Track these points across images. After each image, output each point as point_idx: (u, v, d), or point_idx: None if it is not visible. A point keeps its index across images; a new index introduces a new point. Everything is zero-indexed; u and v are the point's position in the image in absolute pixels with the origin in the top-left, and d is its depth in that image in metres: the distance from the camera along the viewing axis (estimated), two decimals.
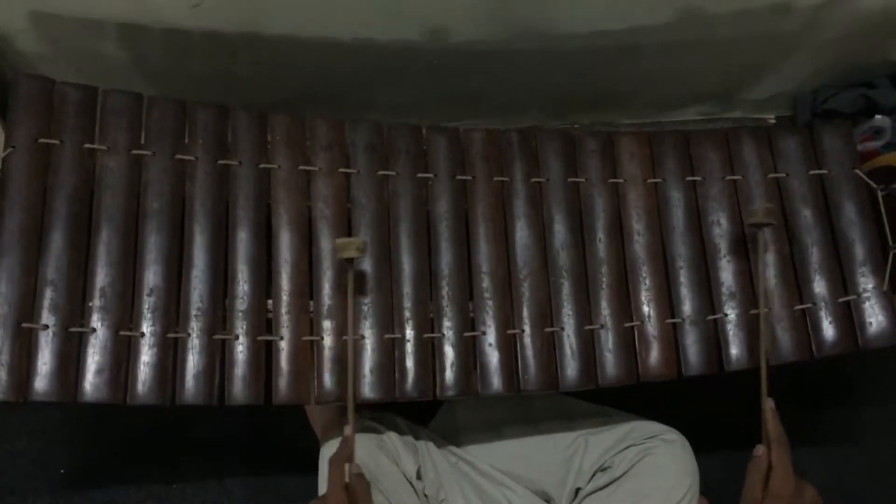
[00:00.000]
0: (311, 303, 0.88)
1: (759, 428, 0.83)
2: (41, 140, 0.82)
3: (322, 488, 0.91)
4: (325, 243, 0.89)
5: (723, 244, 0.96)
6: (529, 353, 0.91)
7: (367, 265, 0.89)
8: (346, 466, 0.77)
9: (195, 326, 0.83)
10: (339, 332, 0.87)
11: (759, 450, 0.82)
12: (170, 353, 0.82)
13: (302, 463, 1.11)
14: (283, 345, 0.85)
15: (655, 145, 0.99)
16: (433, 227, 0.92)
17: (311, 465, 0.95)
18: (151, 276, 0.83)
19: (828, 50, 1.22)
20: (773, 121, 1.43)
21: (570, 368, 0.91)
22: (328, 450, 0.93)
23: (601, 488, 0.98)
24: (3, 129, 0.82)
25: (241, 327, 0.85)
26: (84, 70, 1.10)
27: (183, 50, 1.07)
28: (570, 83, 1.28)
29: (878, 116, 1.24)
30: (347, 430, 0.79)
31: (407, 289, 0.90)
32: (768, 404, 0.83)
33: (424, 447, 1.00)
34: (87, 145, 0.84)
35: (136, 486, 1.24)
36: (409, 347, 0.88)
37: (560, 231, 0.95)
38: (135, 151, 0.85)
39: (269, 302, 0.87)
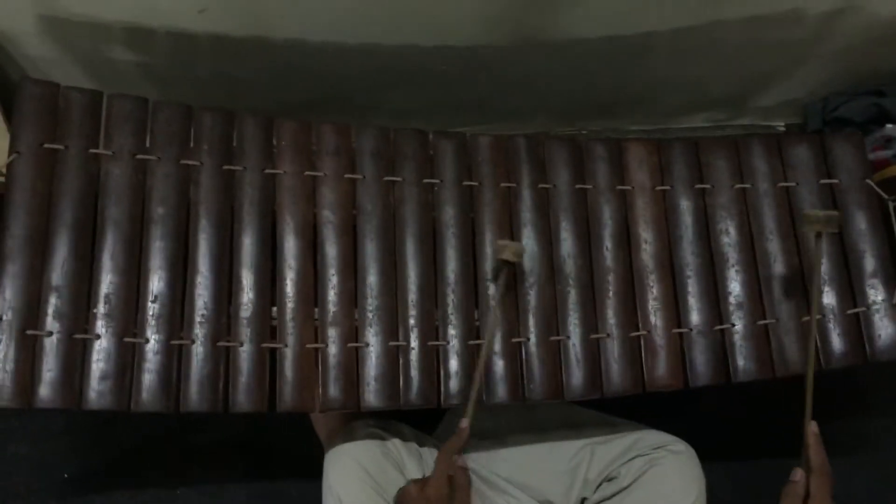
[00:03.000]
0: (317, 310, 0.87)
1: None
2: (46, 145, 0.82)
3: (327, 500, 0.90)
4: (331, 250, 0.88)
5: (732, 253, 0.95)
6: (535, 361, 0.90)
7: (371, 272, 0.89)
8: (455, 458, 0.79)
9: (199, 333, 0.83)
10: (345, 339, 0.87)
11: (798, 474, 0.79)
12: (174, 360, 0.82)
13: (305, 470, 1.11)
14: (288, 352, 0.85)
15: (664, 152, 0.99)
16: (439, 234, 0.92)
17: (314, 472, 0.94)
18: (156, 283, 0.83)
19: (838, 58, 1.22)
20: (783, 128, 1.43)
21: (576, 377, 0.91)
22: (332, 456, 0.93)
23: (607, 498, 0.98)
24: (8, 133, 0.82)
25: (245, 334, 0.84)
26: (91, 73, 1.10)
27: (189, 54, 1.07)
28: (578, 89, 1.28)
29: (889, 126, 1.23)
30: (464, 422, 0.81)
31: (412, 296, 0.89)
32: (811, 428, 0.80)
33: (429, 455, 1.00)
34: (91, 150, 0.83)
35: (140, 491, 1.23)
36: (414, 355, 0.88)
37: (567, 238, 0.94)
38: (140, 156, 0.85)
39: (274, 309, 0.86)
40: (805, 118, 1.38)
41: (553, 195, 0.95)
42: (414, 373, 0.88)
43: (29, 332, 0.78)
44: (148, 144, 0.86)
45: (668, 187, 0.97)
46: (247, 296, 0.85)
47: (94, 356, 0.79)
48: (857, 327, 0.93)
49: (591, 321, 0.92)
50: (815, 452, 0.79)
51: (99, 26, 0.99)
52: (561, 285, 0.93)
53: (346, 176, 0.91)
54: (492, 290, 0.91)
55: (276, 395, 0.84)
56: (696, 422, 1.01)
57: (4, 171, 0.81)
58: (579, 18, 1.07)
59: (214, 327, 0.83)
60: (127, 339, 0.80)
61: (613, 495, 0.97)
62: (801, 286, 0.94)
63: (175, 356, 0.82)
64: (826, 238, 0.90)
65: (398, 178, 0.92)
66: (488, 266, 0.92)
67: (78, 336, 0.79)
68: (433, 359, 0.88)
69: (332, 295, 0.87)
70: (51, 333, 0.78)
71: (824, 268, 0.94)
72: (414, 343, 0.88)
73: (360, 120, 1.17)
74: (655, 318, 0.93)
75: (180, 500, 1.24)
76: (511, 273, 0.90)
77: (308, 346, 0.86)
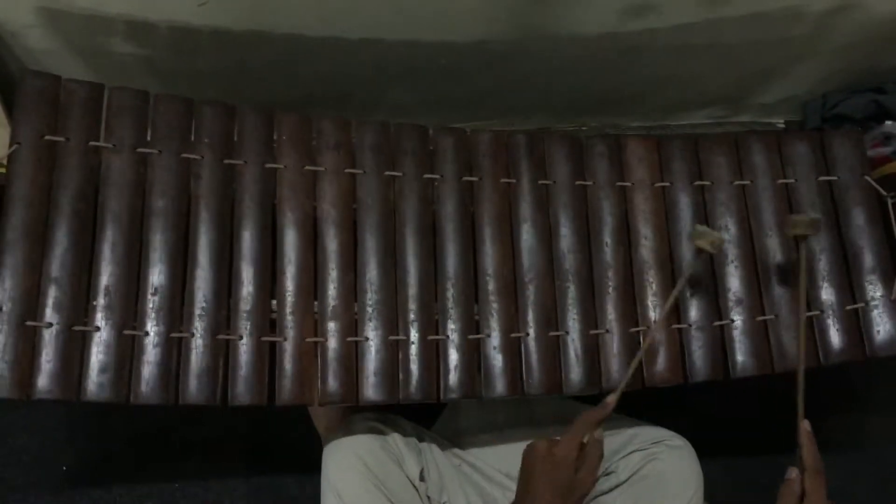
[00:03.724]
0: (316, 304, 0.87)
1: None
2: (47, 137, 0.82)
3: (326, 494, 0.90)
4: (331, 244, 0.88)
5: (730, 249, 0.95)
6: (534, 356, 0.90)
7: (371, 267, 0.89)
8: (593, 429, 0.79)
9: (199, 326, 0.83)
10: (344, 333, 0.87)
11: (792, 472, 0.79)
12: (173, 353, 0.82)
13: (304, 463, 1.11)
14: (287, 345, 0.85)
15: (664, 149, 0.99)
16: (439, 229, 0.92)
17: (313, 465, 0.94)
18: (156, 276, 0.83)
19: (838, 55, 1.22)
20: (783, 125, 1.43)
21: (575, 372, 0.91)
22: (331, 450, 0.93)
23: (605, 493, 0.98)
24: (8, 125, 0.82)
25: (244, 327, 0.84)
26: (91, 66, 1.10)
27: (190, 48, 1.07)
28: (579, 85, 1.28)
29: (888, 122, 1.23)
30: (611, 398, 0.81)
31: (412, 290, 0.89)
32: (804, 427, 0.81)
33: (428, 449, 1.00)
34: (92, 143, 0.83)
35: (138, 484, 1.24)
36: (414, 349, 0.88)
37: (566, 234, 0.94)
38: (140, 149, 0.85)
39: (274, 302, 0.87)
40: (804, 115, 1.38)
41: (553, 191, 0.96)
42: (413, 367, 0.88)
43: (28, 323, 0.78)
44: (149, 137, 0.86)
45: (667, 184, 0.97)
46: (246, 289, 0.85)
47: (94, 348, 0.79)
48: (856, 323, 0.93)
49: (591, 317, 0.93)
50: (809, 451, 0.79)
51: (100, 19, 0.99)
52: (560, 281, 0.93)
53: (347, 170, 0.91)
54: (492, 285, 0.91)
55: (275, 388, 0.84)
56: (694, 417, 1.02)
57: (5, 162, 0.81)
58: (580, 15, 1.07)
59: (214, 320, 0.83)
60: (126, 332, 0.81)
61: (611, 489, 0.97)
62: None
63: (174, 349, 0.82)
64: (806, 241, 0.91)
65: (398, 173, 0.92)
66: (489, 261, 0.92)
67: (77, 328, 0.79)
68: (433, 353, 0.89)
69: (331, 289, 0.87)
70: (50, 325, 0.78)
71: (822, 264, 0.95)
72: (414, 337, 0.88)
73: (360, 115, 1.17)
74: (655, 314, 0.93)
75: (179, 493, 1.24)
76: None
77: (308, 339, 0.86)
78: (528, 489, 0.77)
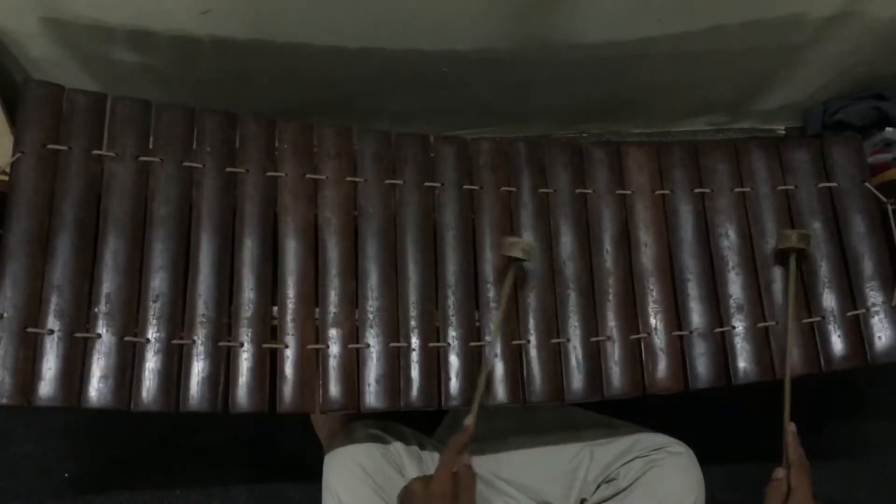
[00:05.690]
0: (317, 311, 0.87)
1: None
2: (49, 146, 0.82)
3: (327, 501, 0.90)
4: (332, 251, 0.89)
5: (731, 256, 0.95)
6: (535, 363, 0.90)
7: (372, 274, 0.89)
8: (459, 457, 0.79)
9: (200, 333, 0.83)
10: (346, 340, 0.87)
11: (779, 472, 0.81)
12: (175, 360, 0.82)
13: (305, 471, 1.11)
14: (289, 353, 0.85)
15: (664, 157, 0.99)
16: (440, 237, 0.92)
17: (314, 473, 0.94)
18: (157, 283, 0.83)
19: (838, 62, 1.22)
20: (783, 132, 1.43)
21: (576, 380, 0.91)
22: (332, 458, 0.93)
23: (606, 500, 0.98)
24: (12, 134, 0.83)
25: (246, 335, 0.84)
26: (94, 75, 1.10)
27: (192, 57, 1.08)
28: (579, 93, 1.29)
29: (888, 129, 1.24)
30: (468, 419, 0.81)
31: (413, 297, 0.90)
32: (790, 428, 0.83)
33: (429, 456, 1.00)
34: (95, 151, 0.84)
35: (140, 492, 1.24)
36: (415, 356, 0.88)
37: (567, 242, 0.94)
38: (142, 158, 0.85)
39: (275, 310, 0.87)
40: (805, 122, 1.38)
41: (553, 199, 0.96)
42: (414, 374, 0.88)
43: (30, 329, 0.78)
44: (151, 146, 0.87)
45: (667, 191, 0.98)
46: (248, 296, 0.85)
47: (95, 355, 0.80)
48: (858, 329, 0.93)
49: (592, 324, 0.93)
50: (794, 450, 0.81)
51: (102, 29, 1.00)
52: (561, 288, 0.93)
53: (348, 178, 0.91)
54: (493, 292, 0.91)
55: (276, 395, 0.85)
56: (695, 424, 1.01)
57: (8, 170, 0.81)
58: (580, 23, 1.08)
59: (215, 327, 0.84)
60: (128, 339, 0.81)
61: (612, 496, 0.97)
62: (801, 289, 0.94)
63: (176, 356, 0.82)
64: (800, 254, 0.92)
65: (399, 181, 0.93)
66: (489, 268, 0.92)
67: (79, 335, 0.79)
68: (434, 360, 0.89)
69: (332, 296, 0.88)
70: (52, 332, 0.79)
71: (823, 271, 0.95)
72: (415, 344, 0.88)
73: (361, 123, 1.17)
74: (656, 321, 0.93)
75: (180, 501, 1.24)
76: (519, 272, 0.90)
77: (309, 346, 0.86)
78: None
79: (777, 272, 0.95)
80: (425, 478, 0.80)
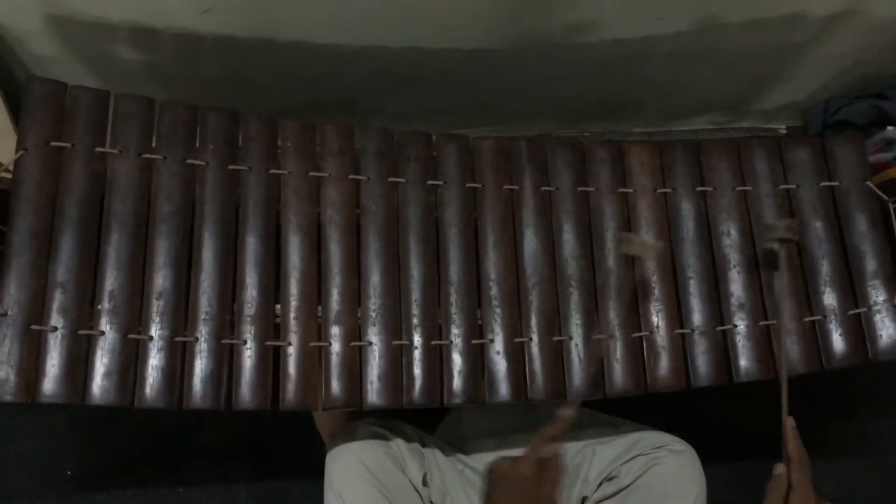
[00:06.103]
0: (320, 309, 0.88)
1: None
2: (53, 143, 0.82)
3: (329, 499, 0.90)
4: (334, 249, 0.89)
5: (733, 255, 0.95)
6: (537, 361, 0.90)
7: (374, 272, 0.89)
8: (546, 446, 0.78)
9: (203, 330, 0.83)
10: (348, 338, 0.87)
11: (779, 468, 0.81)
12: (178, 357, 0.82)
13: (308, 468, 1.11)
14: (291, 350, 0.85)
15: (665, 155, 0.99)
16: (442, 235, 0.92)
17: (317, 471, 0.95)
18: (160, 280, 0.83)
19: (840, 61, 1.22)
20: (784, 131, 1.43)
21: (578, 377, 0.91)
22: (335, 455, 0.93)
23: (608, 497, 0.98)
24: (15, 131, 0.83)
25: (249, 332, 0.85)
26: (97, 73, 1.10)
27: (195, 55, 1.08)
28: (580, 92, 1.29)
29: (889, 128, 1.24)
30: (567, 411, 0.80)
31: (415, 295, 0.90)
32: (789, 423, 0.83)
33: (431, 454, 1.00)
34: (98, 149, 0.84)
35: (142, 489, 1.24)
36: (417, 354, 0.88)
37: (569, 240, 0.94)
38: (146, 155, 0.86)
39: (278, 307, 0.87)
40: (806, 121, 1.38)
41: (555, 197, 0.96)
42: (417, 372, 0.88)
43: (34, 327, 0.78)
44: (154, 144, 0.87)
45: (669, 190, 0.98)
46: (251, 294, 0.86)
47: (98, 352, 0.80)
48: (859, 327, 0.94)
49: (594, 322, 0.93)
50: (794, 446, 0.81)
51: (105, 26, 1.00)
52: (563, 286, 0.93)
53: (350, 176, 0.92)
54: (494, 290, 0.91)
55: (279, 393, 0.85)
56: (697, 422, 1.02)
57: (12, 168, 0.81)
58: (582, 22, 1.08)
59: (218, 325, 0.84)
60: (131, 336, 0.81)
61: (614, 494, 0.97)
62: (802, 287, 0.95)
63: (179, 353, 0.82)
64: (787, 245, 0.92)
65: (402, 180, 0.93)
66: (491, 266, 0.92)
67: (82, 332, 0.79)
68: (436, 358, 0.89)
69: (335, 294, 0.88)
70: (55, 329, 0.79)
71: (824, 269, 0.95)
72: (417, 342, 0.89)
73: (363, 121, 1.17)
74: (657, 319, 0.93)
75: (182, 498, 1.24)
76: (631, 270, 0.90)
77: (311, 344, 0.86)
78: None
79: (778, 270, 0.95)
80: (515, 457, 0.79)
